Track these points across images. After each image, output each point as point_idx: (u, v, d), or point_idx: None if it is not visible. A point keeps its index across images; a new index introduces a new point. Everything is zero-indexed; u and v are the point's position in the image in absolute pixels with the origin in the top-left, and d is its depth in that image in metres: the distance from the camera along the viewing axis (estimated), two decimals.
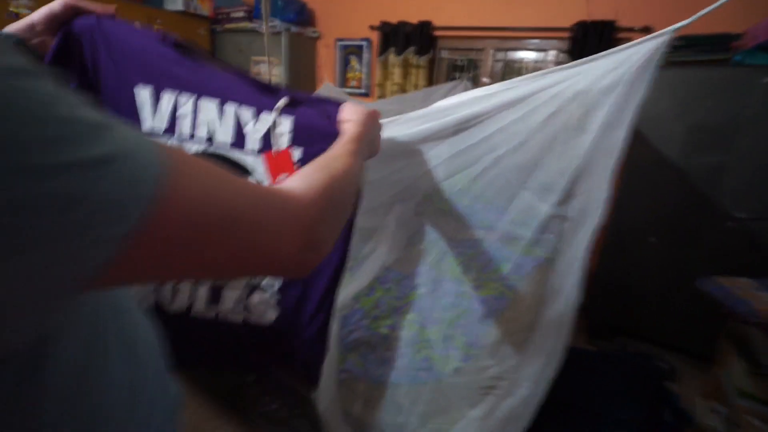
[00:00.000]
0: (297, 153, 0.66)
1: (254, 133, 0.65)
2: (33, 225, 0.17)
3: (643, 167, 1.82)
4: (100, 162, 0.20)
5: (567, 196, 0.84)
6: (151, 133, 0.64)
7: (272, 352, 0.79)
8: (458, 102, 0.85)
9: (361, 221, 1.66)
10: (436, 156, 0.98)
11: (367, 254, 1.66)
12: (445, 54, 2.60)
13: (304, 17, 2.85)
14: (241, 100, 0.64)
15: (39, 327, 0.23)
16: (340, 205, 0.43)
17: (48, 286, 0.20)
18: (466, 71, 2.55)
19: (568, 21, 2.07)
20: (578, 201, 0.83)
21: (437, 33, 2.49)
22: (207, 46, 2.88)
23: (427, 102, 2.24)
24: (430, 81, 2.58)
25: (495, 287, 1.30)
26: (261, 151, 0.66)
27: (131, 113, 0.63)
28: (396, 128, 0.90)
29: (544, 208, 0.90)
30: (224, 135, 0.65)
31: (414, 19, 2.48)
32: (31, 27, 0.58)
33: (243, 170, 0.67)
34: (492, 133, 0.86)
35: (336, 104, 0.65)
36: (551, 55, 2.26)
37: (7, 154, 0.17)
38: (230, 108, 0.64)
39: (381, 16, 2.60)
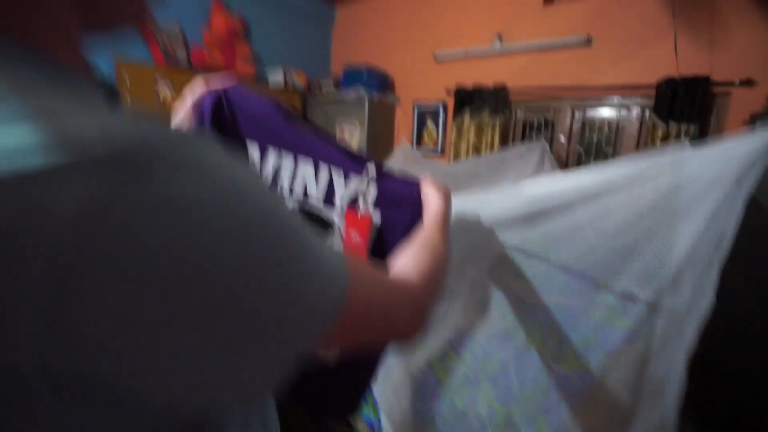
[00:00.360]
0: (377, 216, 0.72)
1: (342, 191, 0.72)
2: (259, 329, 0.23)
3: (755, 236, 1.62)
4: (309, 283, 0.26)
5: (669, 286, 0.80)
6: None
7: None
8: (545, 190, 0.86)
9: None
10: (514, 237, 0.99)
11: (440, 315, 1.66)
12: (520, 114, 2.64)
13: (385, 85, 3.12)
14: (334, 162, 0.71)
15: (242, 404, 0.30)
16: (441, 280, 0.51)
17: (261, 369, 0.24)
18: (543, 130, 2.55)
19: (653, 76, 2.01)
20: (682, 292, 0.78)
21: (512, 95, 2.55)
22: (299, 113, 3.26)
23: (502, 163, 2.25)
24: (505, 140, 2.61)
25: (577, 363, 1.22)
26: (344, 208, 0.72)
27: None
28: (471, 205, 0.93)
29: (642, 296, 0.85)
30: (317, 191, 0.73)
31: (489, 81, 2.58)
32: (184, 119, 0.70)
33: (327, 224, 0.74)
34: (583, 220, 0.86)
35: (415, 180, 0.72)
36: (635, 112, 2.18)
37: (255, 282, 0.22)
38: (324, 167, 0.72)
39: (456, 80, 2.75)
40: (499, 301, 1.55)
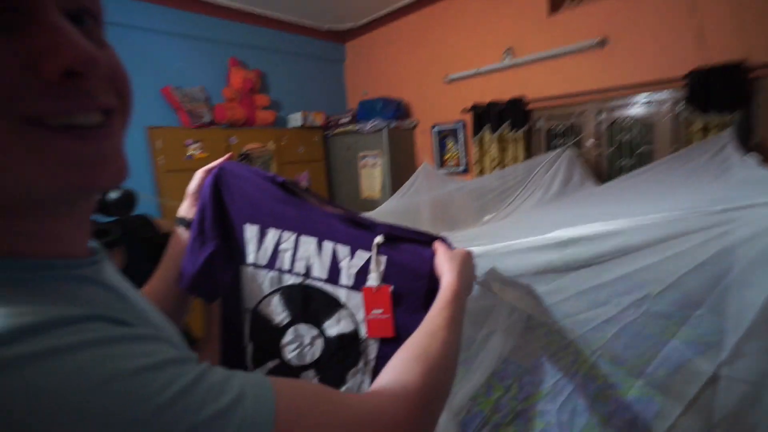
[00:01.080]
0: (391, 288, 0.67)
1: (349, 269, 0.67)
2: None
3: None
4: (230, 408, 0.26)
5: (734, 356, 0.69)
6: (254, 265, 0.71)
7: None
8: (585, 234, 0.79)
9: (471, 303, 1.61)
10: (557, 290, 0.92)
11: (482, 342, 1.59)
12: (541, 123, 2.57)
13: (401, 112, 3.15)
14: (338, 239, 0.67)
15: None
16: (440, 391, 0.43)
17: None
18: (567, 137, 2.46)
19: (680, 69, 1.90)
20: (751, 362, 0.68)
21: (531, 106, 2.50)
22: (321, 148, 3.35)
23: (529, 174, 2.18)
24: (529, 152, 2.55)
25: (638, 385, 1.12)
26: (354, 286, 0.68)
27: (241, 247, 0.71)
28: (504, 259, 0.88)
29: (704, 367, 0.77)
30: (320, 270, 0.69)
31: (505, 96, 2.55)
32: (190, 204, 0.69)
33: (336, 303, 0.70)
34: (630, 272, 0.78)
35: (428, 243, 0.66)
36: (665, 107, 2.06)
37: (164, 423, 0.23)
38: (328, 245, 0.68)
39: (472, 99, 2.73)
40: (541, 324, 1.46)
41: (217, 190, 0.69)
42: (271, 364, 0.73)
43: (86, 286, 0.30)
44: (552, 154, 2.23)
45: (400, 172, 3.02)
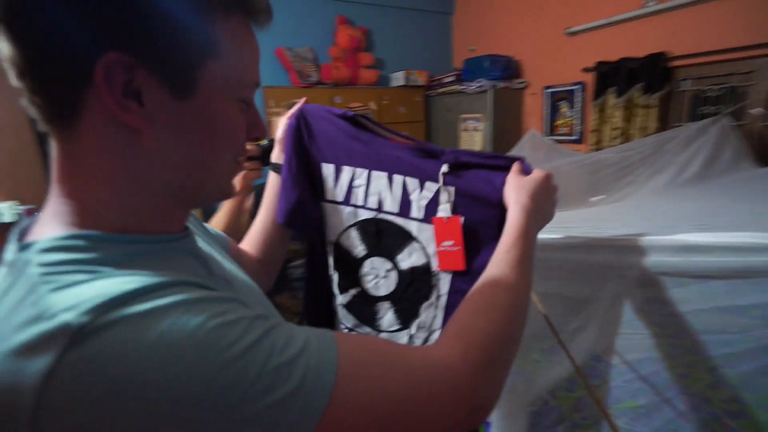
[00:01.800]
0: (462, 219, 0.65)
1: (419, 201, 0.67)
2: None
3: None
4: (294, 360, 0.29)
5: None
6: (333, 202, 0.75)
7: None
8: (726, 243, 0.63)
9: (569, 289, 1.48)
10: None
11: (573, 332, 1.47)
12: (686, 86, 2.10)
13: (510, 71, 2.87)
14: (407, 172, 0.67)
15: None
16: (507, 343, 0.42)
17: None
18: (721, 104, 1.98)
19: None
20: None
21: (675, 63, 2.05)
22: (422, 109, 3.27)
23: (660, 150, 1.82)
24: (663, 121, 2.12)
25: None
26: (425, 219, 0.67)
27: (320, 184, 0.76)
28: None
29: None
30: (392, 204, 0.70)
31: (640, 51, 2.13)
32: (280, 150, 0.76)
33: (407, 236, 0.70)
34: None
35: (505, 168, 0.61)
36: None
37: (224, 407, 0.26)
38: (398, 179, 0.68)
39: (596, 56, 2.34)
40: (646, 320, 1.29)
41: (299, 134, 0.74)
42: (353, 291, 0.79)
43: (181, 256, 0.38)
44: (698, 124, 1.82)
45: (503, 137, 2.81)
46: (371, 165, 0.70)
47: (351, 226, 0.75)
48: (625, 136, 2.20)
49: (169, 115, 0.33)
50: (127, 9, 0.29)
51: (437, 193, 0.65)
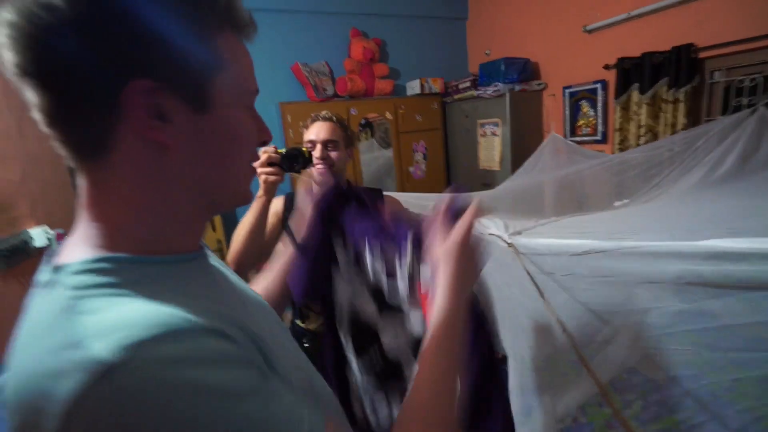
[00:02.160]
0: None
1: (401, 269, 0.67)
2: None
3: None
4: None
5: None
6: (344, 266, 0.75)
7: None
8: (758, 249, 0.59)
9: (596, 298, 1.41)
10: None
11: (602, 344, 1.39)
12: (718, 77, 1.99)
13: (528, 73, 2.81)
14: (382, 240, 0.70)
15: None
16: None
17: None
18: (758, 95, 1.86)
19: None
20: None
21: (704, 54, 1.94)
22: (439, 116, 3.25)
23: (691, 147, 1.71)
24: (694, 116, 2.01)
25: None
26: (417, 293, 0.67)
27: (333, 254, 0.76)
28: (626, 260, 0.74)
29: None
30: (381, 268, 0.71)
31: (665, 45, 2.03)
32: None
33: (399, 309, 0.70)
34: None
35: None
36: None
37: None
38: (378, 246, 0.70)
39: (617, 53, 2.26)
40: (684, 327, 1.21)
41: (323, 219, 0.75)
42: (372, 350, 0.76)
43: (200, 276, 0.40)
44: (732, 117, 1.71)
45: (522, 141, 2.74)
46: (362, 236, 0.72)
47: (360, 287, 0.74)
48: (653, 135, 2.10)
49: (193, 129, 0.35)
50: (140, 38, 0.31)
51: (411, 263, 0.66)
